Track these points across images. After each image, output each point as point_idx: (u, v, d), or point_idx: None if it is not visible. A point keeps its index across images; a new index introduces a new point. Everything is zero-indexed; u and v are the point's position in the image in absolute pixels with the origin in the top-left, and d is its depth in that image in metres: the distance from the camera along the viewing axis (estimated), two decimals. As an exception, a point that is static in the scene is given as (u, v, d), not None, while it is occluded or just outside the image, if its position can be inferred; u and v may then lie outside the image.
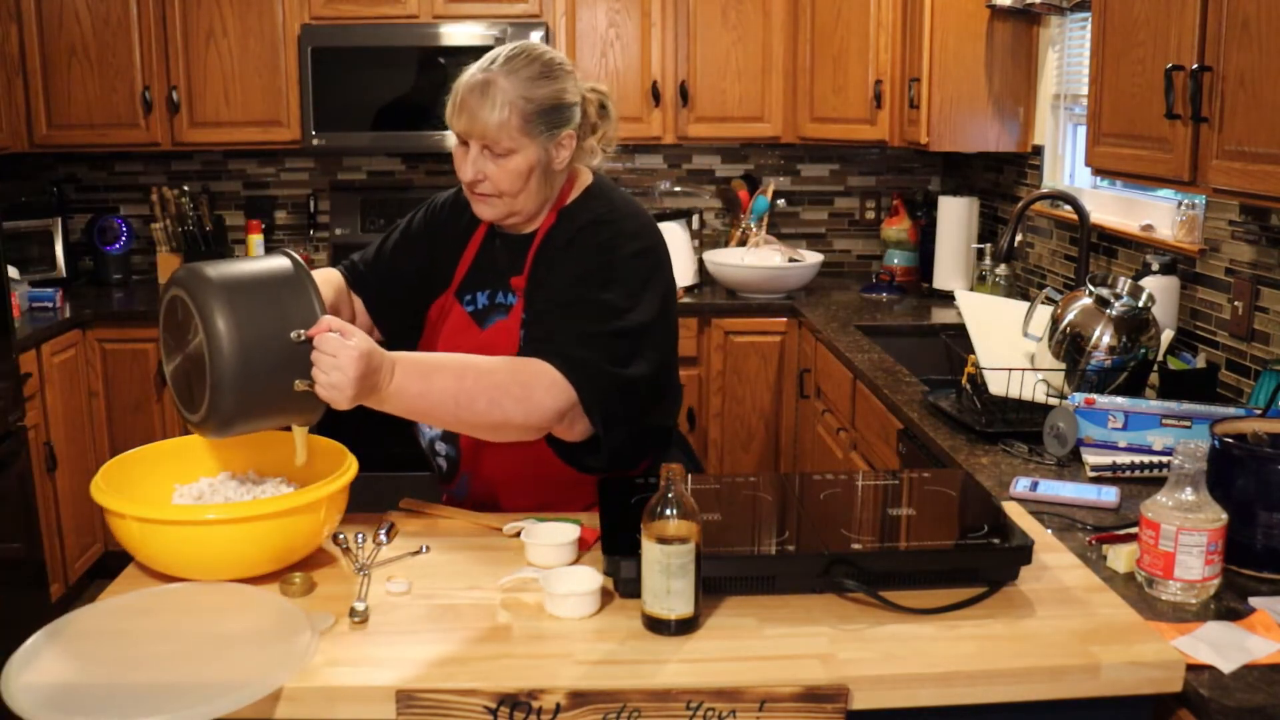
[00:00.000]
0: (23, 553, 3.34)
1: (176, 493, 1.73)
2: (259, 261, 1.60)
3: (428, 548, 1.72)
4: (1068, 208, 3.32)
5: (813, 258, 4.27)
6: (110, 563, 4.02)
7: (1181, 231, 2.77)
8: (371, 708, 1.33)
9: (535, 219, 1.88)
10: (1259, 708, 1.32)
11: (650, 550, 1.42)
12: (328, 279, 1.96)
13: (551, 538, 1.65)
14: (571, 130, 1.81)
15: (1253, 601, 1.57)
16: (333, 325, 1.53)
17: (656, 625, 1.45)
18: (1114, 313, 2.36)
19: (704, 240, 4.59)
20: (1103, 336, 2.35)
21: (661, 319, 1.82)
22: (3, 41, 4.01)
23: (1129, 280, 2.45)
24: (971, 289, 3.98)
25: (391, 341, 1.80)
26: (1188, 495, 1.57)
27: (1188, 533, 1.55)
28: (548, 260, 1.82)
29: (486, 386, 1.64)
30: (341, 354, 1.51)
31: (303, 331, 1.52)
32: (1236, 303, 2.53)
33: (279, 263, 1.59)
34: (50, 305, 3.91)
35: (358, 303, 2.01)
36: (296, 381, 1.52)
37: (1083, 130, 3.02)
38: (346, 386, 1.51)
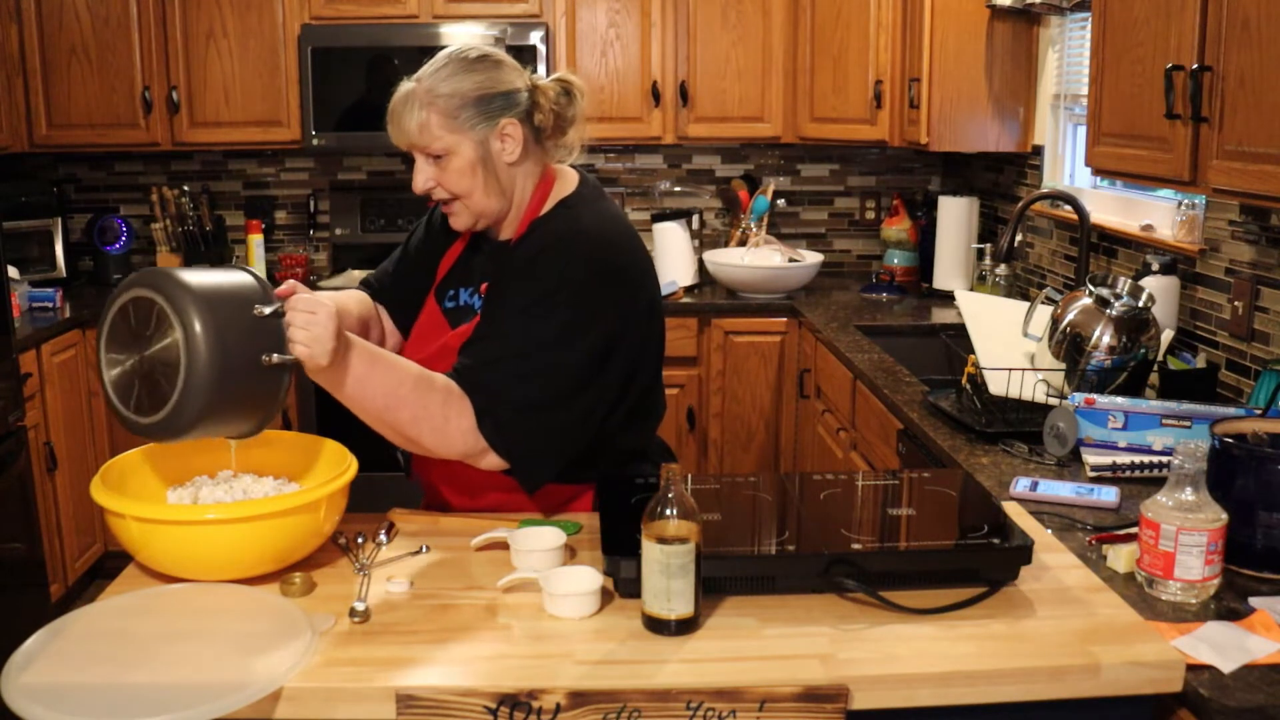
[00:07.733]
0: (23, 553, 3.34)
1: (173, 494, 1.73)
2: (212, 269, 1.60)
3: (428, 548, 1.72)
4: (1068, 208, 3.32)
5: (813, 258, 4.27)
6: (110, 563, 4.03)
7: (1181, 231, 2.77)
8: (371, 708, 1.33)
9: (509, 222, 1.84)
10: (1259, 708, 1.32)
11: (650, 550, 1.42)
12: (357, 299, 1.96)
13: (535, 543, 1.63)
14: (513, 119, 1.76)
15: (1253, 601, 1.57)
16: (298, 288, 1.54)
17: (656, 625, 1.45)
18: (1114, 313, 2.36)
19: (704, 240, 4.59)
20: (1103, 336, 2.35)
21: (623, 345, 1.76)
22: (3, 41, 4.01)
23: (1129, 280, 2.45)
24: (971, 289, 3.98)
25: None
26: (1188, 495, 1.57)
27: (1188, 533, 1.55)
28: (507, 278, 1.77)
29: (415, 402, 1.64)
30: (319, 309, 1.52)
31: (263, 308, 1.51)
32: (1236, 303, 2.53)
33: (234, 271, 1.58)
34: (50, 305, 3.91)
35: (386, 321, 2.00)
36: (263, 356, 1.50)
37: (1083, 130, 3.02)
38: (328, 339, 1.51)
